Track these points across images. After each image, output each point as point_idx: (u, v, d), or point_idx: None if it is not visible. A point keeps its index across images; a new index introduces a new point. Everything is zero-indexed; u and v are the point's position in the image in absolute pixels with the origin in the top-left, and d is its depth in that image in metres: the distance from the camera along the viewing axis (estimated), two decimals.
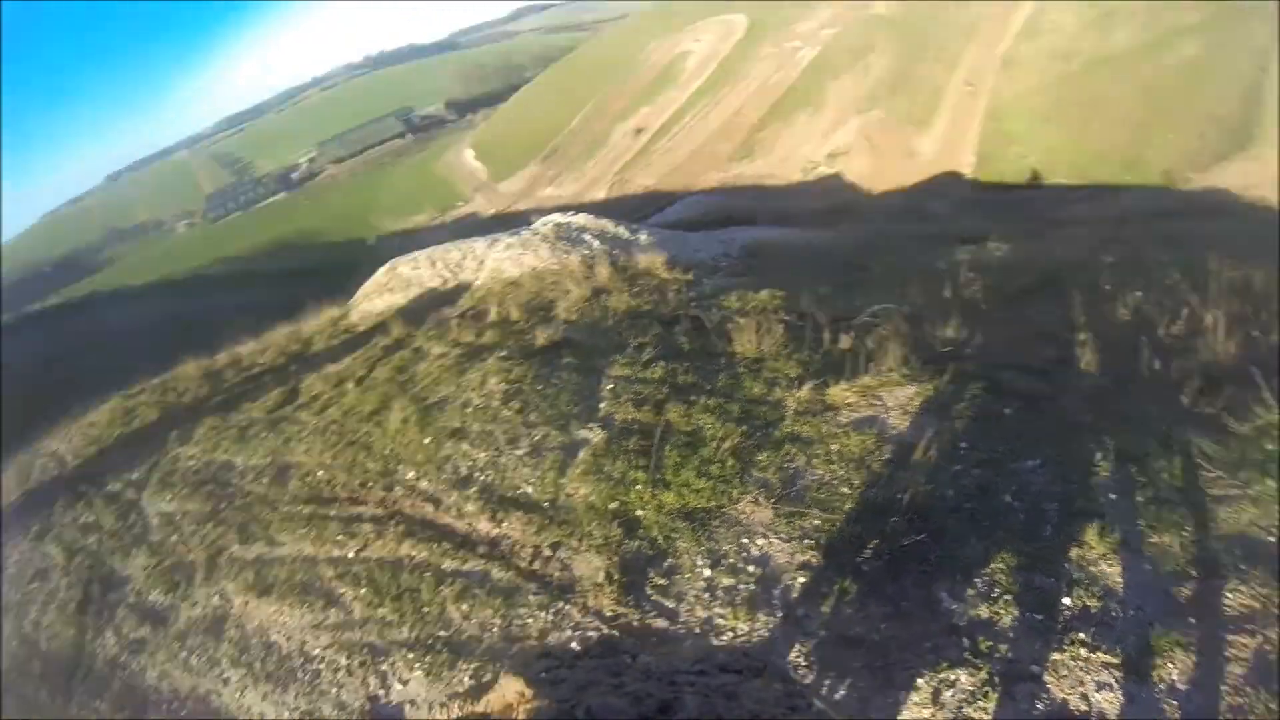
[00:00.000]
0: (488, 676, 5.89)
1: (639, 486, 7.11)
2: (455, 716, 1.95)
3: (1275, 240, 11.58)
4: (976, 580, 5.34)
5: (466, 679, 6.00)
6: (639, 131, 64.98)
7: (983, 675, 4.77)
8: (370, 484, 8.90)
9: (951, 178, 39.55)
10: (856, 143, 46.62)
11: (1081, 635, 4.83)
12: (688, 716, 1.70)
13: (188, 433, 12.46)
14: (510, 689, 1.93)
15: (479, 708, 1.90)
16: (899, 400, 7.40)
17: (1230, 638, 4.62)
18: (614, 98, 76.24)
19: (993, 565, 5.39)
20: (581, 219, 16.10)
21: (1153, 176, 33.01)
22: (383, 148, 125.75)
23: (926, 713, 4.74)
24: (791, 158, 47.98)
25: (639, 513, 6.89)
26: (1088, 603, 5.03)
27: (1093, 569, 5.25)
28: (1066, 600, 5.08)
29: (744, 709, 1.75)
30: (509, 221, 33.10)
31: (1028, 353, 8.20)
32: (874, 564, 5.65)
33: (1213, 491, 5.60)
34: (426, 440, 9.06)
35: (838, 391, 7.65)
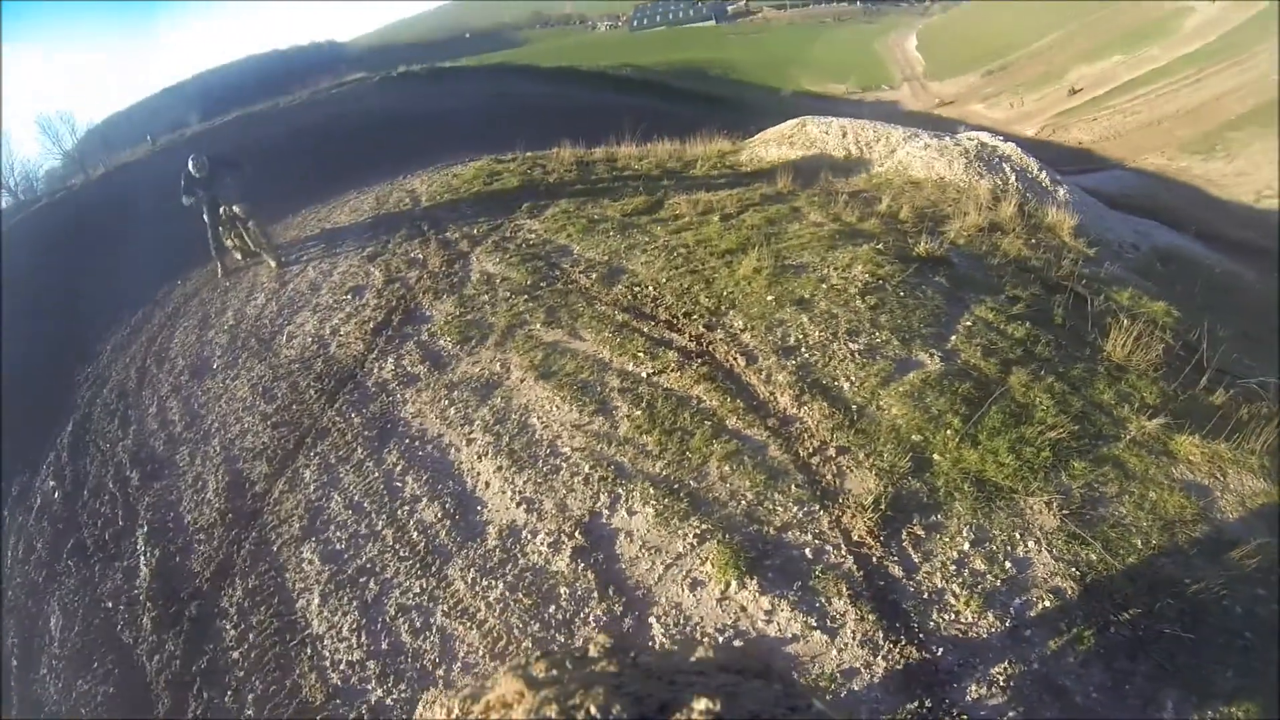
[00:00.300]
0: (707, 544, 6.07)
1: (949, 432, 6.90)
2: (455, 716, 2.03)
3: None
4: (1209, 713, 4.82)
5: (690, 538, 6.17)
6: (1074, 91, 60.08)
7: None
8: (694, 316, 9.11)
9: None
10: None
11: None
12: (688, 717, 1.69)
13: (539, 209, 13.28)
14: (510, 688, 1.97)
15: (478, 708, 1.96)
16: (1242, 489, 6.58)
17: None
18: (1088, 33, 71.04)
19: (1233, 708, 4.82)
20: (1008, 148, 15.54)
21: None
22: (829, 7, 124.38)
23: None
24: (1250, 174, 41.92)
25: (935, 457, 6.69)
26: None
27: None
28: None
29: (744, 709, 1.73)
30: (930, 123, 32.18)
31: None
32: (1123, 631, 5.21)
33: None
34: (769, 298, 9.15)
35: (1185, 443, 6.92)
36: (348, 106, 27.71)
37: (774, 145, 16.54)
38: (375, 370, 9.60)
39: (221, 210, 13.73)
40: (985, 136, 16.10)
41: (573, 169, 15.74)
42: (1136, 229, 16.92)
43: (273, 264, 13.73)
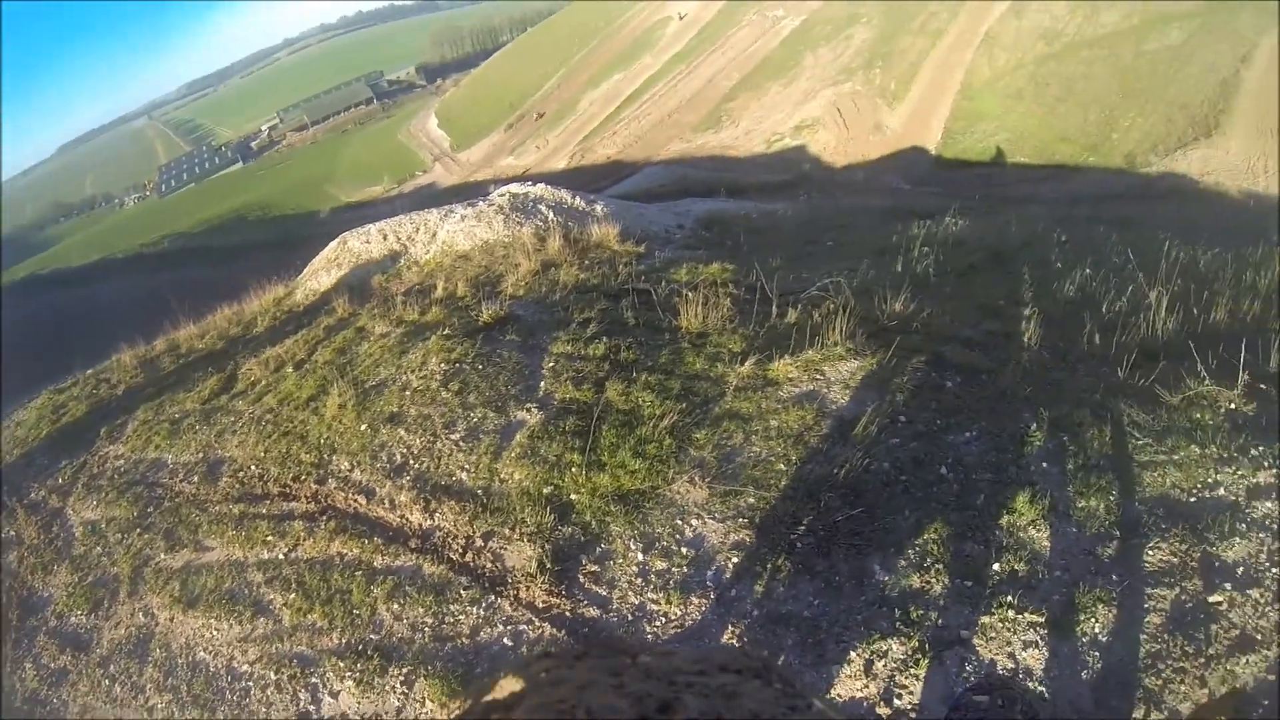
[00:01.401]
0: (418, 684, 5.95)
1: (574, 469, 7.15)
2: (455, 717, 1.99)
3: (1223, 223, 12.31)
4: (909, 551, 5.58)
5: (398, 685, 6.02)
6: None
7: (913, 644, 5.01)
8: (303, 477, 8.78)
9: (916, 153, 40.49)
10: (825, 115, 47.57)
11: (1009, 598, 5.13)
12: (688, 717, 1.74)
13: (118, 429, 12.33)
14: (510, 689, 1.96)
15: (478, 708, 1.93)
16: (841, 375, 7.56)
17: (1150, 591, 4.97)
18: (587, 64, 77.07)
19: (925, 536, 5.63)
20: (539, 189, 16.18)
21: (1115, 159, 34.51)
22: (347, 114, 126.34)
23: (859, 684, 4.95)
24: (756, 130, 48.90)
25: (573, 496, 6.94)
26: (1016, 567, 5.33)
27: (1021, 534, 5.55)
28: (996, 566, 5.38)
29: (744, 709, 1.81)
30: (468, 192, 33.21)
31: (973, 327, 8.58)
32: (807, 540, 5.82)
33: (1139, 458, 5.97)
34: (363, 427, 8.97)
35: (780, 366, 7.78)
36: None
37: (323, 273, 16.26)
38: (17, 685, 8.24)
39: None
40: (514, 187, 16.69)
41: (138, 372, 14.63)
42: (676, 211, 18.22)
43: None
